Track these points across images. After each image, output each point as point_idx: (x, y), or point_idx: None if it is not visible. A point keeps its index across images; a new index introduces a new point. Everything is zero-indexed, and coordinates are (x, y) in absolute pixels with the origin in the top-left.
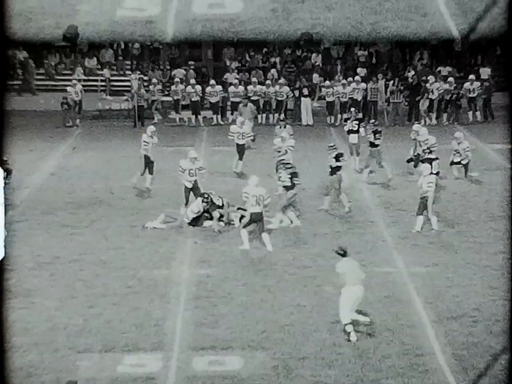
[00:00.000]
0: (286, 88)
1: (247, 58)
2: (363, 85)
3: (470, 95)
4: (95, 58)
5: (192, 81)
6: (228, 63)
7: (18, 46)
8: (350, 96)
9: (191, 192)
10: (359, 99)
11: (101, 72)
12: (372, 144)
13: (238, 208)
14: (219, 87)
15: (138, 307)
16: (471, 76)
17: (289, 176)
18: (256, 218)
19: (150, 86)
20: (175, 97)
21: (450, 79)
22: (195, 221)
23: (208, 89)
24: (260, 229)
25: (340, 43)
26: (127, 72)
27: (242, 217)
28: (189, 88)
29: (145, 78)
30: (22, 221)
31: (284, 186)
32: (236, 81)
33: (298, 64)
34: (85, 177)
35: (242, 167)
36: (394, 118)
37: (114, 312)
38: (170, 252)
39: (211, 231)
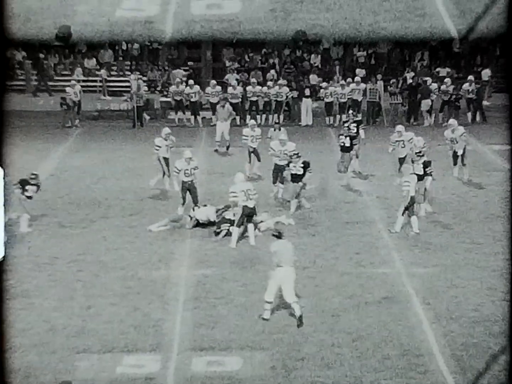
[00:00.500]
0: (286, 89)
1: (246, 59)
2: (362, 85)
3: (469, 96)
4: (94, 59)
5: (191, 81)
6: (227, 63)
7: (17, 47)
8: (349, 97)
9: (188, 191)
10: (359, 100)
11: (99, 72)
12: (343, 148)
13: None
14: (219, 88)
15: (137, 308)
16: (470, 77)
17: (302, 165)
18: (249, 212)
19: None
20: (177, 98)
21: (447, 80)
22: (200, 226)
23: (208, 89)
24: (248, 220)
25: (339, 43)
26: (127, 72)
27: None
28: (187, 89)
29: (144, 78)
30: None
31: (294, 175)
32: (235, 82)
33: (297, 64)
34: (84, 178)
35: (258, 169)
36: (394, 118)
37: (113, 312)
38: (169, 253)
39: (210, 232)
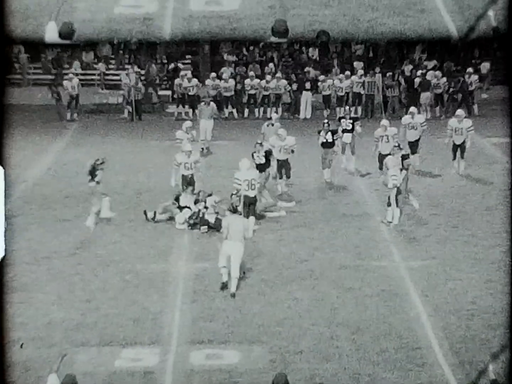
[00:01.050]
0: (284, 82)
1: (245, 52)
2: (362, 78)
3: (469, 89)
4: (92, 52)
5: (189, 75)
6: (225, 57)
7: (17, 43)
8: (347, 91)
9: (189, 186)
10: (362, 93)
11: (97, 66)
12: (325, 144)
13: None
14: (218, 81)
15: (136, 301)
16: (470, 69)
17: (264, 154)
18: (249, 202)
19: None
20: (180, 91)
21: (437, 73)
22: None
23: (209, 81)
24: (250, 212)
25: (337, 40)
26: (126, 66)
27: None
28: (185, 82)
29: (142, 72)
30: (19, 215)
31: (257, 165)
32: (226, 75)
33: (295, 58)
34: (82, 172)
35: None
36: (391, 111)
37: (111, 306)
38: (168, 246)
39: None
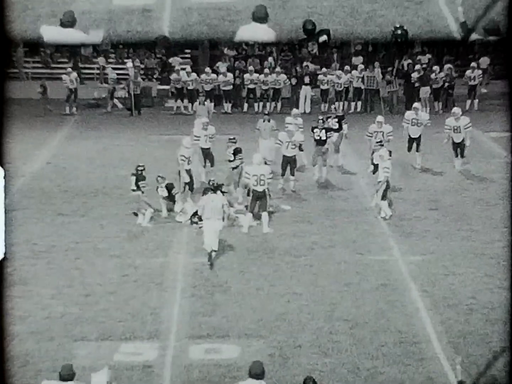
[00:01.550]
0: (284, 76)
1: (244, 46)
2: (363, 73)
3: (471, 83)
4: (91, 46)
5: (188, 69)
6: (225, 51)
7: (17, 39)
8: (346, 86)
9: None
10: (362, 87)
11: (96, 60)
12: (319, 141)
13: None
14: (214, 76)
15: (135, 296)
16: (473, 64)
17: (232, 152)
18: (257, 196)
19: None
20: (177, 86)
21: (435, 68)
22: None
23: (203, 76)
24: (262, 207)
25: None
26: (125, 60)
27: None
28: (185, 76)
29: (142, 66)
30: (18, 209)
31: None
32: (225, 69)
33: (294, 52)
34: (81, 166)
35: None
36: (391, 106)
37: (110, 300)
38: (167, 241)
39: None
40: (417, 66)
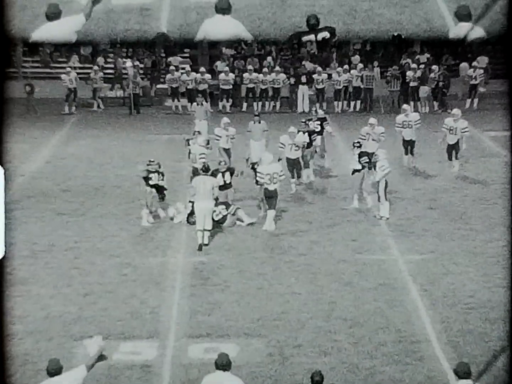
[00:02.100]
0: (283, 76)
1: (243, 46)
2: (362, 72)
3: (472, 82)
4: (90, 46)
5: (188, 68)
6: (224, 50)
7: (16, 38)
8: (345, 85)
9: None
10: (361, 87)
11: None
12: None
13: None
14: (208, 75)
15: (134, 295)
16: (475, 63)
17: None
18: (270, 194)
19: (91, 74)
20: (174, 85)
21: (434, 67)
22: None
23: (198, 76)
24: (271, 205)
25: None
26: (124, 60)
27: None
28: (184, 76)
29: (141, 65)
30: (17, 209)
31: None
32: (227, 68)
33: (293, 51)
34: (81, 165)
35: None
36: (390, 106)
37: (109, 300)
38: (166, 240)
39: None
40: (413, 65)
